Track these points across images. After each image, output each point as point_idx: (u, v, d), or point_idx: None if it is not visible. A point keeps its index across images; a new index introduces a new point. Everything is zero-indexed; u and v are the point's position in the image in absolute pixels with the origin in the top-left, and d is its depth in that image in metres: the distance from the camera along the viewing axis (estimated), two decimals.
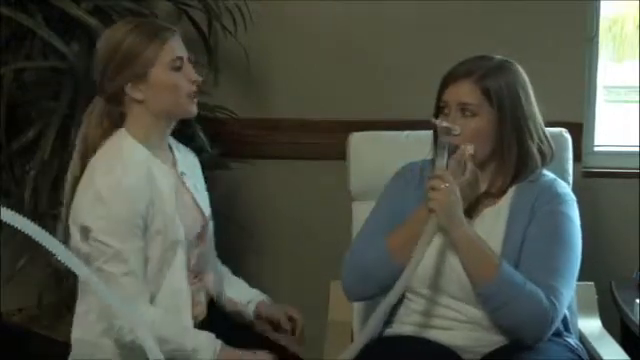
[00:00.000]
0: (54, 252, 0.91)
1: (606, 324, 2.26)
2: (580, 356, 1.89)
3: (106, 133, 1.87)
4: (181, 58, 1.84)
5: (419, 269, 1.77)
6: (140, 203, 1.79)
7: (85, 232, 1.79)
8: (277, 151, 2.71)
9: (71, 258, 0.94)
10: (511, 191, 1.88)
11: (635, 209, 2.55)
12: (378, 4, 2.63)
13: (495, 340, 1.84)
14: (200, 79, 1.87)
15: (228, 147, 2.51)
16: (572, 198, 1.90)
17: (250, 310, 2.04)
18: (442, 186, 1.73)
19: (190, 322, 1.87)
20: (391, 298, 1.69)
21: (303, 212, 2.74)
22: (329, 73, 2.68)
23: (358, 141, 2.33)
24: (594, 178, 2.62)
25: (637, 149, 2.62)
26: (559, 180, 1.93)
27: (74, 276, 2.43)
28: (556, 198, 1.86)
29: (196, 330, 1.85)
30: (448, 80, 1.90)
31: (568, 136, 2.31)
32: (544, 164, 1.90)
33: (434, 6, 2.61)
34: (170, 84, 1.83)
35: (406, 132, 2.31)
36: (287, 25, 2.68)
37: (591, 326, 2.20)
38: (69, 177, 1.88)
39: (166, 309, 1.84)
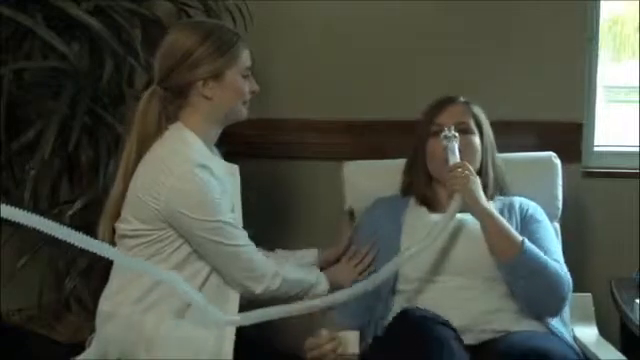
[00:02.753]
0: (66, 238, 0.90)
1: (605, 330, 2.27)
2: (576, 351, 1.95)
3: (161, 129, 1.91)
4: (250, 68, 1.96)
5: (425, 256, 1.97)
6: (217, 185, 1.86)
7: (173, 216, 1.82)
8: (277, 151, 2.71)
9: (83, 239, 0.94)
10: (493, 202, 2.09)
11: (635, 209, 2.55)
12: (378, 4, 2.63)
13: (491, 318, 1.92)
14: (258, 89, 1.98)
15: (228, 147, 2.51)
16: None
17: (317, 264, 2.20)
18: (464, 173, 1.95)
19: (237, 308, 1.92)
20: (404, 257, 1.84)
21: (302, 212, 2.74)
22: (329, 73, 2.68)
23: (350, 170, 2.37)
24: (594, 178, 2.61)
25: (637, 149, 2.61)
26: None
27: (74, 276, 2.45)
28: (531, 205, 2.14)
29: (303, 268, 2.06)
30: (442, 105, 2.15)
31: (558, 161, 2.33)
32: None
33: (434, 6, 2.61)
34: (239, 88, 1.93)
35: (398, 160, 2.32)
36: (287, 25, 2.68)
37: (589, 334, 2.21)
38: (121, 170, 1.92)
39: (215, 294, 1.89)
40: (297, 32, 2.68)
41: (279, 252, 2.24)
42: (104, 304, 1.92)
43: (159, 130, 1.91)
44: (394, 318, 1.88)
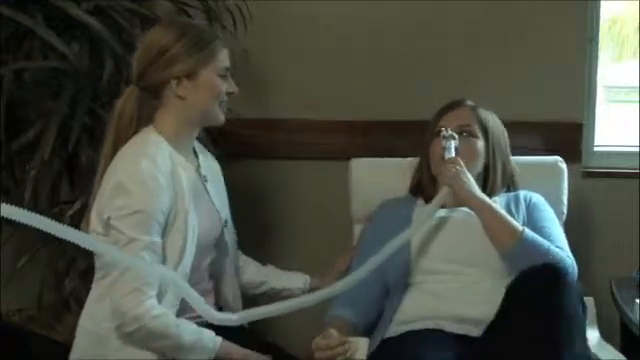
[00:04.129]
0: (61, 235, 0.91)
1: (606, 329, 2.28)
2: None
3: (136, 128, 1.89)
4: (228, 68, 1.92)
5: (438, 249, 2.02)
6: (163, 199, 1.81)
7: (106, 223, 1.80)
8: (277, 151, 2.71)
9: (81, 235, 0.94)
10: (498, 198, 2.14)
11: (635, 209, 2.55)
12: (378, 4, 2.62)
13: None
14: (236, 90, 1.95)
15: (228, 147, 2.51)
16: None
17: (305, 291, 2.15)
18: (457, 167, 2.00)
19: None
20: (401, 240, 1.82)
21: (302, 212, 2.74)
22: (329, 73, 2.68)
23: (358, 167, 2.39)
24: (594, 178, 2.62)
25: (637, 149, 2.62)
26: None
27: (74, 276, 2.44)
28: (534, 195, 2.18)
29: (197, 327, 1.85)
30: (446, 109, 2.20)
31: (564, 166, 2.35)
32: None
33: (434, 6, 2.61)
34: (214, 87, 1.90)
35: (406, 159, 2.35)
36: (287, 25, 2.68)
37: (590, 338, 2.20)
38: (100, 168, 1.90)
39: (172, 306, 1.84)
40: (297, 32, 2.68)
41: (270, 268, 2.21)
42: (82, 318, 1.92)
43: (133, 132, 1.89)
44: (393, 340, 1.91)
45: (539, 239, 1.96)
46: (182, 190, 1.86)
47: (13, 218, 0.81)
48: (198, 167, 1.99)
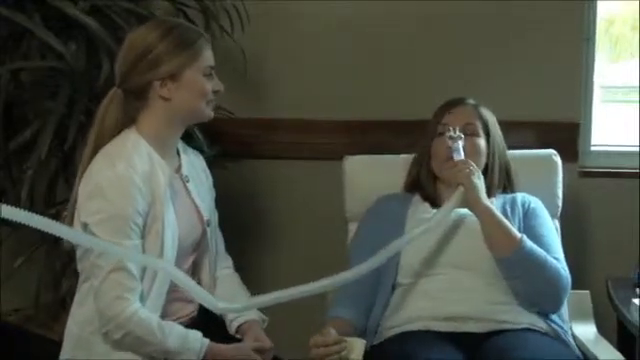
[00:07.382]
0: (57, 234, 0.90)
1: (602, 327, 2.28)
2: (575, 352, 1.97)
3: (119, 131, 1.87)
4: (212, 67, 1.89)
5: (427, 250, 2.01)
6: (140, 201, 1.79)
7: (83, 227, 1.79)
8: (277, 151, 2.71)
9: (77, 234, 0.94)
10: (495, 199, 2.11)
11: (633, 209, 2.55)
12: (378, 4, 2.63)
13: (495, 309, 1.94)
14: (222, 88, 1.92)
15: (226, 147, 2.51)
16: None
17: (233, 326, 2.02)
18: (470, 167, 1.99)
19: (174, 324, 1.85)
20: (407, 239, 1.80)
21: (302, 212, 2.74)
22: (329, 73, 2.68)
23: (352, 165, 2.38)
24: (591, 178, 2.62)
25: (635, 149, 2.62)
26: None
27: (71, 276, 2.44)
28: (533, 200, 2.17)
29: (183, 329, 1.84)
30: (448, 106, 2.18)
31: (558, 159, 2.34)
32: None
33: (434, 6, 2.61)
34: (200, 87, 1.87)
35: (400, 155, 2.35)
36: (286, 25, 2.68)
37: (587, 332, 2.22)
38: (79, 171, 1.88)
39: (154, 308, 1.83)
40: (295, 32, 2.68)
41: (236, 286, 2.11)
42: (68, 323, 1.91)
43: (115, 134, 1.87)
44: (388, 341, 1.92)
45: (537, 249, 1.96)
46: (160, 191, 1.83)
47: (12, 219, 0.81)
48: (179, 167, 1.97)
